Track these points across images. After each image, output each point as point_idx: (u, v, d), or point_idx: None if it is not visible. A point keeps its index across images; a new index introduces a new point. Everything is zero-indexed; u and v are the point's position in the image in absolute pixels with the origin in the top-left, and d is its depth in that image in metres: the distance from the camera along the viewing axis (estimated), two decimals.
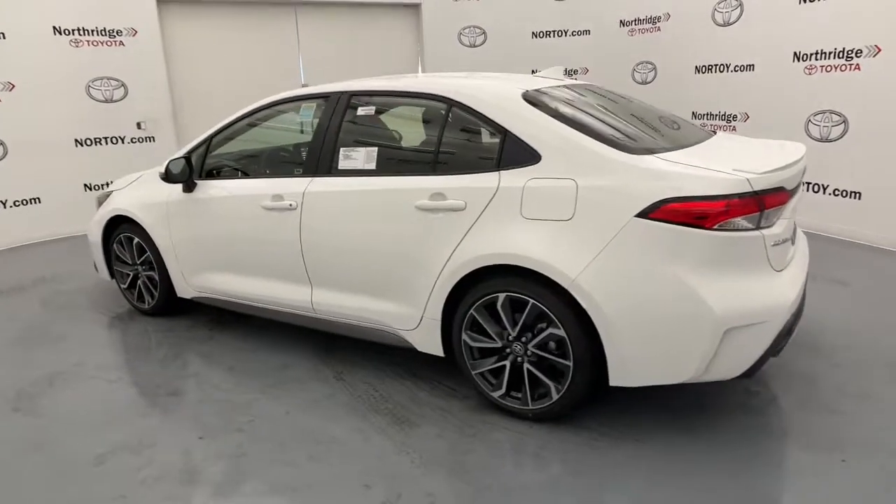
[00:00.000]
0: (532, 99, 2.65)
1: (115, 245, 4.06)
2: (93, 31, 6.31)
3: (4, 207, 6.14)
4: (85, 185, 6.58)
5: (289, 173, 3.18)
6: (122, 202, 3.95)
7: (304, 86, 7.35)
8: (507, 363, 2.62)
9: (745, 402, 2.76)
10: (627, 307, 2.31)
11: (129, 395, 3.07)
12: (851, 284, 4.19)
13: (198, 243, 3.56)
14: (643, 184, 2.28)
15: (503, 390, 2.67)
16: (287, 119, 3.56)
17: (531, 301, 2.48)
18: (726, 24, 5.81)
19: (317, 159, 3.08)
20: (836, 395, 2.79)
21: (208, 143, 3.57)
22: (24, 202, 6.25)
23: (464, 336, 2.70)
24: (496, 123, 2.62)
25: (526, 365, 2.57)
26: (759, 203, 2.24)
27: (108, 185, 6.66)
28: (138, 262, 3.97)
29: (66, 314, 4.19)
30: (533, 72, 6.61)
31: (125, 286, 4.12)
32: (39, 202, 6.34)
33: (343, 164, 3.00)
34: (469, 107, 2.70)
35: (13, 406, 2.99)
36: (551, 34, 7.57)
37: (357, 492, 2.27)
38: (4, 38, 5.89)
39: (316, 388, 3.06)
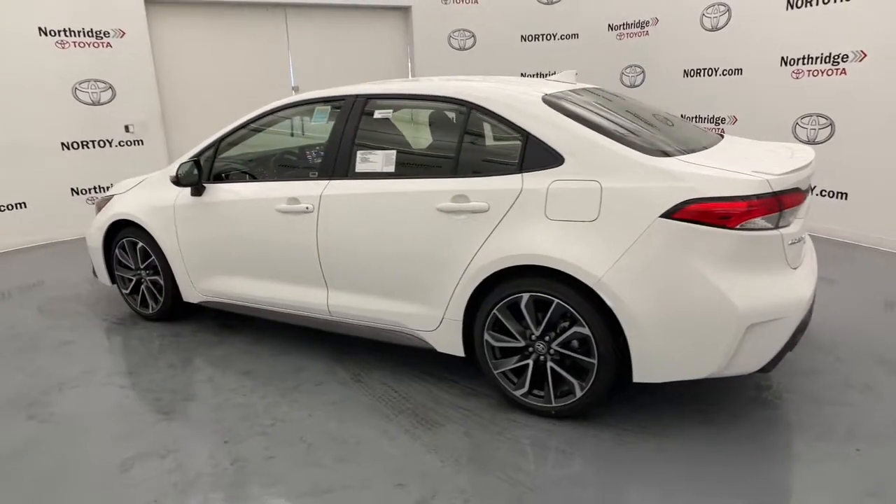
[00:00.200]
0: (552, 102, 2.70)
1: (116, 250, 4.00)
2: (79, 32, 6.20)
3: None
4: (72, 190, 6.46)
5: (303, 176, 3.19)
6: (124, 206, 3.90)
7: (294, 88, 7.36)
8: (530, 362, 2.67)
9: (757, 396, 2.86)
10: (652, 305, 2.37)
11: (144, 401, 3.04)
12: (839, 282, 4.34)
13: (207, 247, 3.54)
14: (667, 185, 2.35)
15: (526, 389, 2.71)
16: (296, 123, 3.55)
17: (556, 300, 2.53)
18: (714, 28, 5.96)
19: (333, 162, 3.09)
20: (842, 388, 2.90)
21: (217, 147, 3.55)
22: (9, 207, 6.11)
23: (486, 336, 2.74)
24: (518, 127, 2.67)
25: (549, 363, 2.62)
26: (779, 203, 2.33)
27: (107, 189, 6.58)
28: (142, 267, 3.92)
29: (67, 321, 4.12)
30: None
31: (127, 291, 4.07)
32: (25, 207, 6.20)
33: (360, 166, 3.01)
34: (490, 110, 2.74)
35: (27, 414, 2.94)
36: (540, 38, 7.67)
37: (391, 491, 2.29)
38: None
39: (334, 390, 3.06)
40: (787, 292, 2.39)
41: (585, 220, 2.46)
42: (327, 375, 3.21)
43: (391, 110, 3.07)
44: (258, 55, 7.12)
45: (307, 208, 3.09)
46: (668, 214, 2.33)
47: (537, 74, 7.65)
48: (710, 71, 6.07)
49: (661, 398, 2.82)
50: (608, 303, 2.42)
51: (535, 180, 2.57)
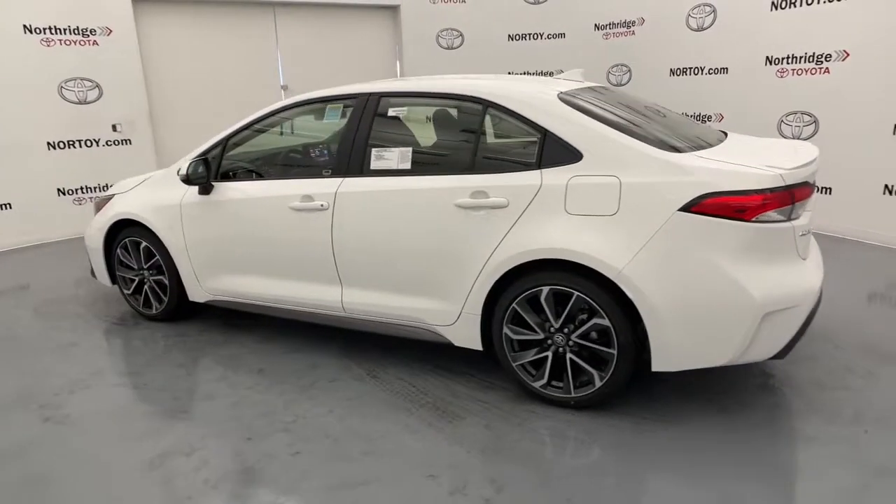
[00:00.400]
0: (568, 100, 2.77)
1: (118, 250, 3.96)
2: (65, 29, 6.09)
3: None
4: (59, 190, 6.34)
5: (316, 174, 3.20)
6: (127, 206, 3.86)
7: (283, 87, 7.32)
8: (549, 354, 2.73)
9: (764, 384, 2.96)
10: (671, 296, 2.45)
11: (160, 401, 3.02)
12: (827, 273, 4.49)
13: (216, 246, 3.53)
14: (685, 180, 2.43)
15: (545, 380, 2.77)
16: (306, 121, 3.56)
17: (576, 293, 2.59)
18: (700, 28, 6.11)
19: (347, 160, 3.11)
20: (843, 374, 3.02)
21: (224, 145, 3.53)
22: None
23: (505, 329, 2.79)
24: (536, 124, 2.72)
25: (569, 355, 2.69)
26: (791, 196, 2.43)
27: (104, 188, 6.47)
28: (145, 267, 3.88)
29: (66, 322, 4.06)
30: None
31: (129, 292, 4.03)
32: (10, 208, 6.07)
33: (375, 164, 3.04)
34: (507, 108, 2.79)
35: (42, 416, 2.90)
36: (527, 37, 7.75)
37: (423, 483, 2.33)
38: None
39: (351, 386, 3.09)
40: (798, 282, 2.50)
41: (605, 214, 2.53)
42: (342, 372, 3.23)
43: (406, 108, 3.10)
44: (247, 54, 7.07)
45: (322, 205, 3.10)
46: (687, 208, 2.41)
47: (525, 73, 7.73)
48: (696, 70, 6.22)
49: (674, 388, 2.91)
50: (629, 294, 2.49)
51: (555, 176, 2.63)
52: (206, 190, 3.50)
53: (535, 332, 2.74)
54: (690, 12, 6.15)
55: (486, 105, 2.85)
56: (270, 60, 7.19)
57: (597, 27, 7.29)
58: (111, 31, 6.30)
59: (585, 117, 2.66)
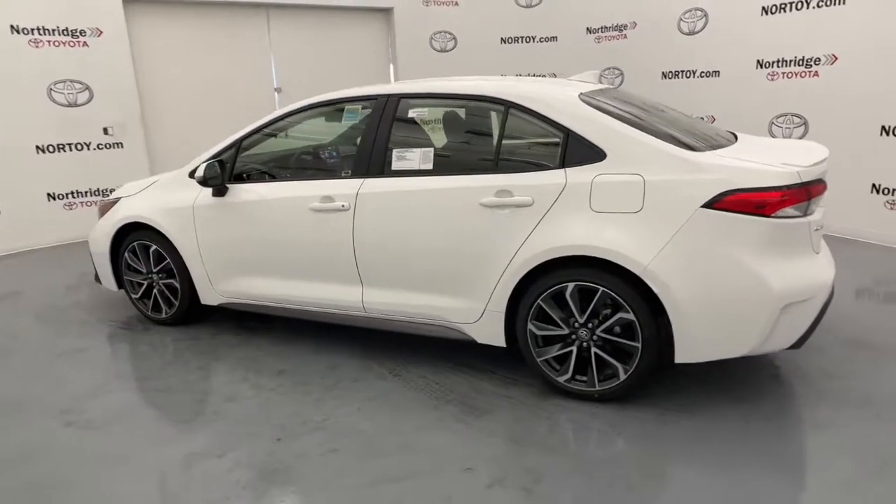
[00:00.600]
0: (589, 101, 2.84)
1: (126, 254, 3.92)
2: (54, 30, 6.00)
3: None
4: (48, 195, 6.23)
5: (335, 175, 3.22)
6: (136, 209, 3.83)
7: (276, 90, 7.30)
8: (574, 348, 2.80)
9: (776, 374, 3.07)
10: (695, 289, 2.53)
11: (184, 403, 3.01)
12: None
13: (232, 248, 3.52)
14: (707, 177, 2.52)
15: (569, 374, 2.84)
16: (323, 122, 3.58)
17: (601, 289, 2.66)
18: (692, 32, 6.27)
19: (367, 160, 3.14)
20: (849, 362, 3.14)
21: (238, 146, 3.53)
22: None
23: (530, 325, 2.85)
24: (559, 124, 2.79)
25: (593, 349, 2.76)
26: (807, 193, 2.53)
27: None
28: (154, 271, 3.86)
29: (73, 328, 4.00)
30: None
31: (137, 296, 3.99)
32: None
33: (397, 164, 3.08)
34: (530, 109, 2.85)
35: (64, 421, 2.87)
36: (520, 40, 7.85)
37: (461, 476, 2.37)
38: None
39: (375, 384, 3.11)
40: (814, 274, 2.60)
41: (630, 211, 2.61)
42: (363, 372, 3.25)
43: (426, 109, 3.14)
44: (240, 56, 7.03)
45: (343, 206, 3.12)
46: (709, 204, 2.50)
47: (518, 76, 7.82)
48: (688, 73, 6.38)
49: (693, 380, 3.00)
50: (654, 289, 2.57)
51: (579, 175, 2.70)
52: (220, 192, 3.49)
53: (560, 327, 2.80)
54: (682, 16, 6.31)
55: (509, 106, 2.91)
56: (264, 63, 7.17)
57: (589, 31, 7.41)
58: (101, 32, 6.22)
59: (608, 117, 2.74)
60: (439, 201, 2.94)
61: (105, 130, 6.39)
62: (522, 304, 2.85)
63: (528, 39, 7.84)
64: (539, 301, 2.80)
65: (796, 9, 5.38)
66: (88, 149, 6.35)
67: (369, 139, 3.15)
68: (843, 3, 5.06)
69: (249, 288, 3.55)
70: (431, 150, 3.04)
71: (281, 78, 7.25)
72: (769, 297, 2.48)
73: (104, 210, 4.11)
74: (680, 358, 2.64)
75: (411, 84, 3.24)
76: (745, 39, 5.79)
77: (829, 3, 5.16)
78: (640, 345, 2.66)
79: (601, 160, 2.69)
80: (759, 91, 5.71)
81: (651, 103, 3.31)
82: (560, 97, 2.86)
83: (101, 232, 4.01)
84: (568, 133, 2.77)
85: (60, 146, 6.20)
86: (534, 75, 7.79)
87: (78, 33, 6.10)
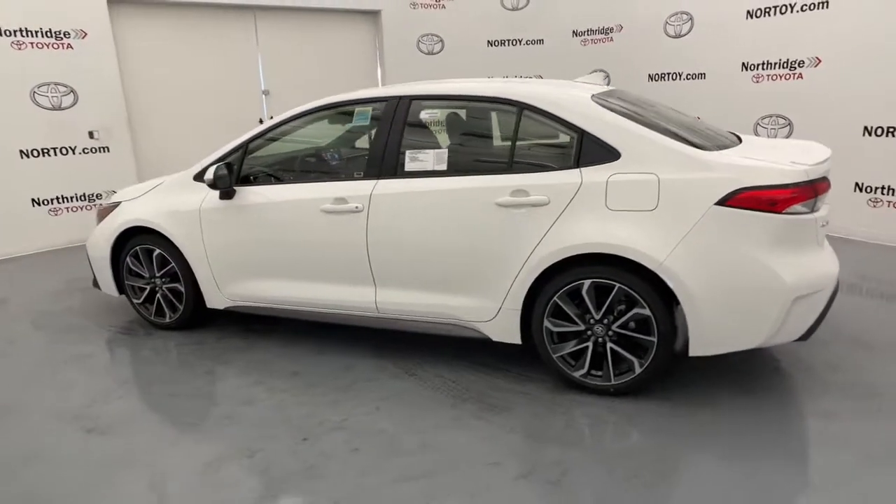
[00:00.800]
0: (601, 102, 2.91)
1: (128, 258, 3.86)
2: (37, 32, 5.87)
3: None
4: (33, 201, 6.09)
5: (347, 177, 3.23)
6: (139, 213, 3.78)
7: (264, 92, 7.25)
8: (590, 344, 2.85)
9: (779, 367, 3.17)
10: (710, 284, 2.61)
11: (200, 407, 2.99)
12: None
13: (241, 250, 3.50)
14: (720, 176, 2.60)
15: (585, 369, 2.89)
16: (330, 124, 3.58)
17: (617, 285, 2.72)
18: (678, 35, 6.42)
19: (380, 162, 3.16)
20: (852, 355, 3.26)
21: (245, 149, 3.52)
22: None
23: (546, 322, 2.90)
24: (573, 125, 2.85)
25: (609, 344, 2.82)
26: (814, 190, 2.63)
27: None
28: (158, 275, 3.81)
29: (73, 335, 3.93)
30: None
31: (139, 301, 3.93)
32: None
33: (410, 165, 3.10)
34: (544, 110, 2.91)
35: (82, 427, 2.82)
36: (506, 43, 7.93)
37: (489, 471, 2.40)
38: None
39: (391, 384, 3.13)
40: (822, 268, 2.70)
41: (645, 209, 2.68)
42: (378, 372, 3.26)
43: (439, 111, 3.17)
44: (227, 58, 6.97)
45: (356, 208, 3.14)
46: (723, 202, 2.58)
47: (505, 77, 7.88)
48: (674, 75, 6.52)
49: (703, 374, 3.08)
50: (670, 284, 2.64)
51: (594, 174, 2.76)
52: (228, 194, 3.47)
53: (577, 323, 2.85)
54: (668, 20, 6.46)
55: (522, 107, 2.96)
56: (251, 65, 7.11)
57: (575, 34, 7.53)
58: (86, 33, 6.10)
59: (621, 118, 2.80)
60: (455, 201, 2.98)
61: (91, 134, 6.27)
62: (538, 301, 2.90)
63: (514, 42, 7.93)
64: (555, 298, 2.85)
65: (780, 13, 5.55)
66: (74, 153, 6.23)
67: (382, 141, 3.17)
68: (827, 7, 5.24)
69: (259, 290, 3.53)
70: (445, 150, 3.08)
71: (269, 81, 7.20)
72: (782, 289, 2.57)
73: (103, 215, 4.04)
74: (694, 351, 2.71)
75: (423, 85, 3.27)
76: (731, 42, 5.95)
77: (812, 7, 5.34)
78: (655, 339, 2.72)
79: (615, 160, 2.75)
80: (745, 93, 5.88)
81: (656, 104, 3.40)
82: (574, 98, 2.91)
83: (101, 236, 3.95)
84: (582, 133, 2.83)
85: (45, 150, 6.07)
86: (520, 77, 7.88)
87: (62, 35, 5.98)
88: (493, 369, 3.22)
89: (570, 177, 2.80)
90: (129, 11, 6.42)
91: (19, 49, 5.82)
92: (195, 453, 2.59)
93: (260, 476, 2.42)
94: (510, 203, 2.86)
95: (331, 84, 7.44)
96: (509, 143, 2.99)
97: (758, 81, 5.77)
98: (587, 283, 2.78)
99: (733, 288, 2.61)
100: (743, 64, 5.86)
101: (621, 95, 3.27)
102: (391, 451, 2.56)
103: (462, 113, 3.37)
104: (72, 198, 6.29)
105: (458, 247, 3.00)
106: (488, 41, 7.93)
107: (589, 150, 2.80)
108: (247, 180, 3.53)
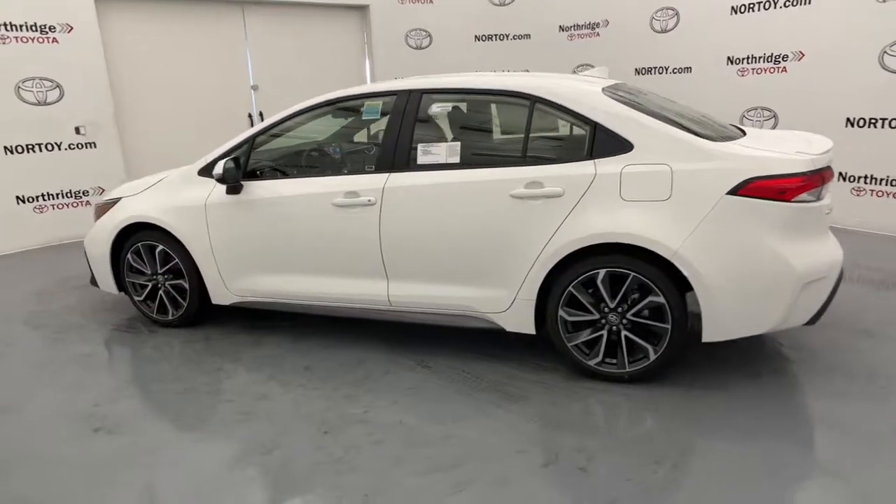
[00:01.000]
0: (612, 95, 2.96)
1: (129, 255, 3.81)
2: (21, 26, 5.73)
3: None
4: (17, 198, 5.96)
5: (357, 170, 3.23)
6: (141, 208, 3.73)
7: (253, 87, 7.17)
8: (604, 332, 2.91)
9: (785, 352, 3.27)
10: (722, 271, 2.68)
11: (214, 404, 2.97)
12: None
13: (249, 246, 3.48)
14: (731, 166, 2.68)
15: (600, 357, 2.95)
16: (338, 118, 3.57)
17: (632, 274, 2.78)
18: (664, 30, 6.52)
19: (392, 155, 3.17)
20: (850, 340, 3.37)
21: (252, 143, 3.49)
22: None
23: (561, 312, 2.95)
24: (585, 117, 2.89)
25: (624, 332, 2.88)
26: (821, 179, 2.72)
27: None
28: (161, 272, 3.77)
29: (72, 333, 3.86)
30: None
31: (141, 298, 3.88)
32: None
33: (423, 158, 3.12)
34: (556, 103, 2.95)
35: (91, 427, 2.78)
36: (493, 38, 7.97)
37: (516, 458, 2.44)
38: None
39: (406, 377, 3.15)
40: (828, 254, 2.80)
41: (659, 199, 2.74)
42: (391, 364, 3.27)
43: (451, 104, 3.19)
44: (216, 53, 6.88)
45: (369, 201, 3.14)
46: (734, 191, 2.65)
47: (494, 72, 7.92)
48: (660, 69, 6.63)
49: (713, 359, 3.16)
50: (684, 272, 2.70)
51: (608, 165, 2.81)
52: (235, 189, 3.45)
53: (591, 312, 2.91)
54: (654, 15, 6.56)
55: (535, 101, 2.99)
56: (240, 60, 7.03)
57: (561, 28, 7.60)
58: (72, 27, 5.97)
59: (633, 110, 2.86)
60: (469, 193, 3.00)
61: (77, 130, 6.15)
62: (553, 291, 2.94)
63: (501, 37, 7.97)
64: (570, 288, 2.90)
65: (764, 8, 5.69)
66: (60, 149, 6.09)
67: (393, 134, 3.18)
68: (809, 3, 5.39)
69: (268, 286, 3.51)
70: (458, 143, 3.10)
71: (257, 75, 7.13)
72: (792, 275, 2.65)
73: (102, 211, 3.98)
74: (707, 337, 2.79)
75: (435, 79, 3.28)
76: (716, 37, 6.08)
77: (795, 3, 5.48)
78: (669, 326, 2.79)
79: (628, 151, 2.81)
80: (731, 86, 6.01)
81: (661, 97, 3.47)
82: (586, 92, 2.96)
83: (101, 233, 3.88)
84: (595, 126, 2.87)
85: (30, 146, 5.93)
86: (507, 71, 7.92)
87: (47, 29, 5.84)
88: (505, 360, 3.26)
89: (584, 168, 2.85)
90: (116, 4, 6.29)
91: (3, 43, 5.68)
92: (218, 449, 2.58)
93: (287, 470, 2.42)
94: (525, 195, 2.90)
95: (320, 79, 7.41)
96: (522, 135, 3.02)
97: (743, 75, 5.91)
98: (602, 272, 2.83)
99: (745, 274, 2.69)
100: (728, 58, 5.99)
101: (628, 89, 3.33)
102: (417, 443, 2.58)
103: (474, 106, 3.40)
104: (58, 195, 6.16)
105: (472, 238, 3.03)
106: (476, 36, 7.96)
107: (602, 142, 2.86)
108: (253, 175, 3.51)
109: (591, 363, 2.97)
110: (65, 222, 6.16)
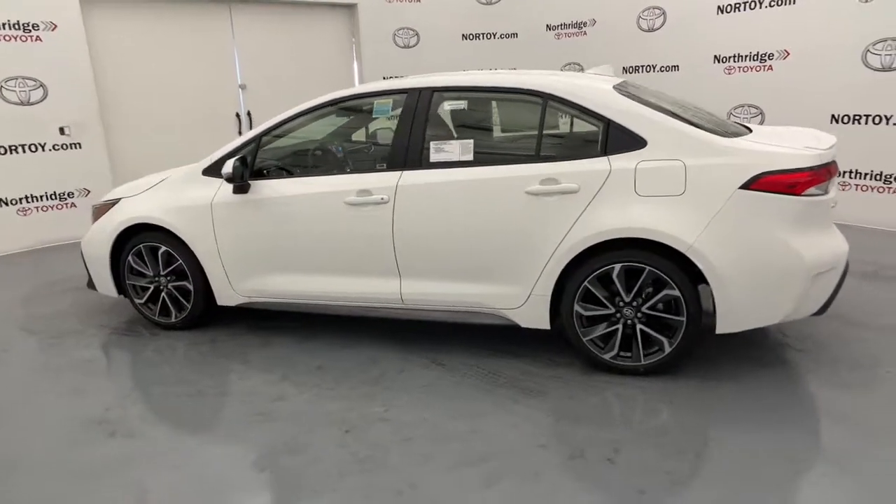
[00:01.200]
0: (623, 92, 3.00)
1: (130, 257, 3.73)
2: (4, 24, 5.59)
3: None
4: (0, 200, 5.76)
5: (369, 168, 3.22)
6: (143, 209, 3.66)
7: (241, 87, 7.08)
8: (620, 326, 2.95)
9: (786, 343, 3.35)
10: (736, 264, 2.74)
11: (229, 406, 2.93)
12: None
13: (257, 246, 3.44)
14: (743, 161, 2.74)
15: (615, 351, 2.99)
16: (347, 116, 3.55)
17: (647, 268, 2.83)
18: (651, 29, 6.63)
19: (405, 153, 3.17)
20: (857, 329, 3.47)
21: (258, 142, 3.46)
22: None
23: (576, 307, 2.98)
24: (598, 114, 2.93)
25: (639, 326, 2.92)
26: (828, 173, 2.80)
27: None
28: (163, 273, 3.70)
29: (70, 339, 3.77)
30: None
31: (142, 301, 3.81)
32: None
33: (436, 156, 3.12)
34: (569, 100, 2.98)
35: (106, 432, 2.72)
36: (481, 37, 7.99)
37: (539, 453, 2.46)
38: None
39: (421, 374, 3.15)
40: (835, 246, 2.88)
41: (673, 194, 2.79)
42: (405, 363, 3.27)
43: (464, 102, 3.20)
44: (203, 52, 6.77)
45: (382, 199, 3.14)
46: (746, 186, 2.71)
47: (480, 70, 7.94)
48: (647, 68, 6.74)
49: (723, 351, 3.23)
50: (699, 265, 2.76)
51: (622, 162, 2.86)
52: (242, 189, 3.41)
53: (606, 307, 2.95)
54: (641, 14, 6.66)
55: (547, 98, 3.02)
56: (228, 59, 6.93)
57: (549, 27, 7.66)
58: (56, 26, 5.83)
59: (645, 107, 2.91)
60: (484, 191, 3.02)
61: (61, 130, 6.00)
62: (568, 286, 2.97)
63: (488, 36, 8.00)
64: (586, 283, 2.93)
65: (750, 8, 5.82)
66: (44, 150, 5.94)
67: (405, 132, 3.18)
68: (794, 3, 5.53)
69: (277, 285, 3.48)
70: (471, 141, 3.11)
71: (245, 74, 7.04)
72: (802, 267, 2.73)
73: (100, 213, 3.89)
74: (721, 329, 2.85)
75: (446, 77, 3.28)
76: (703, 36, 6.20)
77: (780, 2, 5.62)
78: (684, 319, 2.84)
79: (642, 147, 2.85)
80: (717, 84, 6.13)
81: (669, 95, 3.53)
82: (596, 89, 3.00)
83: (100, 235, 3.80)
84: (608, 123, 2.91)
85: (13, 147, 5.77)
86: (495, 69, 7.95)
87: (30, 27, 5.69)
88: (518, 356, 3.28)
89: (598, 164, 2.89)
90: (101, 2, 6.16)
91: None
92: (240, 451, 2.55)
93: (314, 470, 2.40)
94: (540, 191, 2.93)
95: (308, 78, 7.36)
96: (535, 132, 3.05)
97: (730, 73, 6.04)
98: (617, 266, 2.87)
99: (758, 267, 2.75)
100: (715, 56, 6.11)
101: (636, 86, 3.38)
102: (443, 438, 2.58)
103: (487, 104, 3.41)
104: (41, 197, 6.01)
105: (487, 235, 3.04)
106: (463, 35, 7.97)
107: (615, 139, 2.90)
108: (260, 174, 3.47)
109: (607, 357, 3.01)
110: (49, 225, 6.01)
